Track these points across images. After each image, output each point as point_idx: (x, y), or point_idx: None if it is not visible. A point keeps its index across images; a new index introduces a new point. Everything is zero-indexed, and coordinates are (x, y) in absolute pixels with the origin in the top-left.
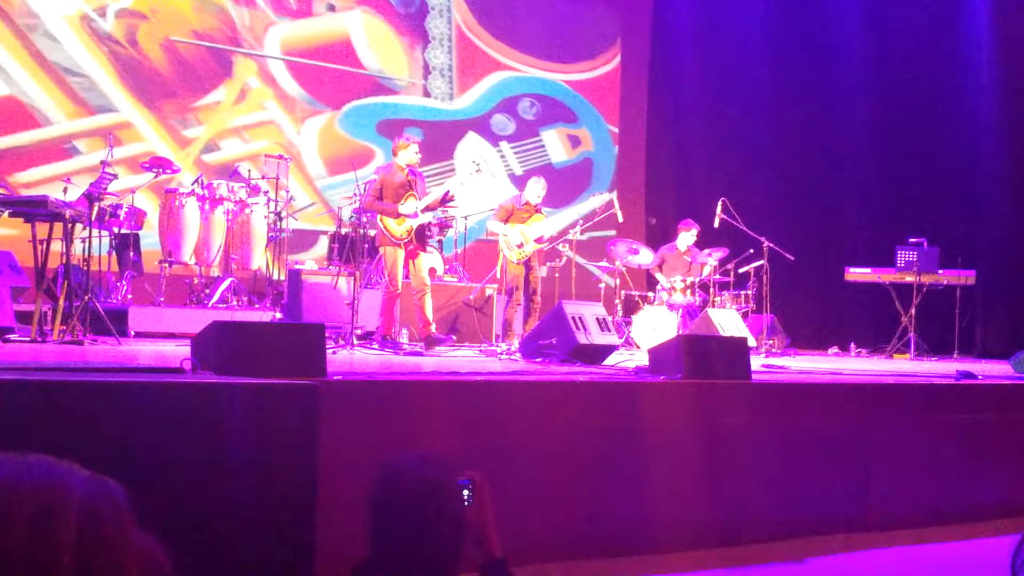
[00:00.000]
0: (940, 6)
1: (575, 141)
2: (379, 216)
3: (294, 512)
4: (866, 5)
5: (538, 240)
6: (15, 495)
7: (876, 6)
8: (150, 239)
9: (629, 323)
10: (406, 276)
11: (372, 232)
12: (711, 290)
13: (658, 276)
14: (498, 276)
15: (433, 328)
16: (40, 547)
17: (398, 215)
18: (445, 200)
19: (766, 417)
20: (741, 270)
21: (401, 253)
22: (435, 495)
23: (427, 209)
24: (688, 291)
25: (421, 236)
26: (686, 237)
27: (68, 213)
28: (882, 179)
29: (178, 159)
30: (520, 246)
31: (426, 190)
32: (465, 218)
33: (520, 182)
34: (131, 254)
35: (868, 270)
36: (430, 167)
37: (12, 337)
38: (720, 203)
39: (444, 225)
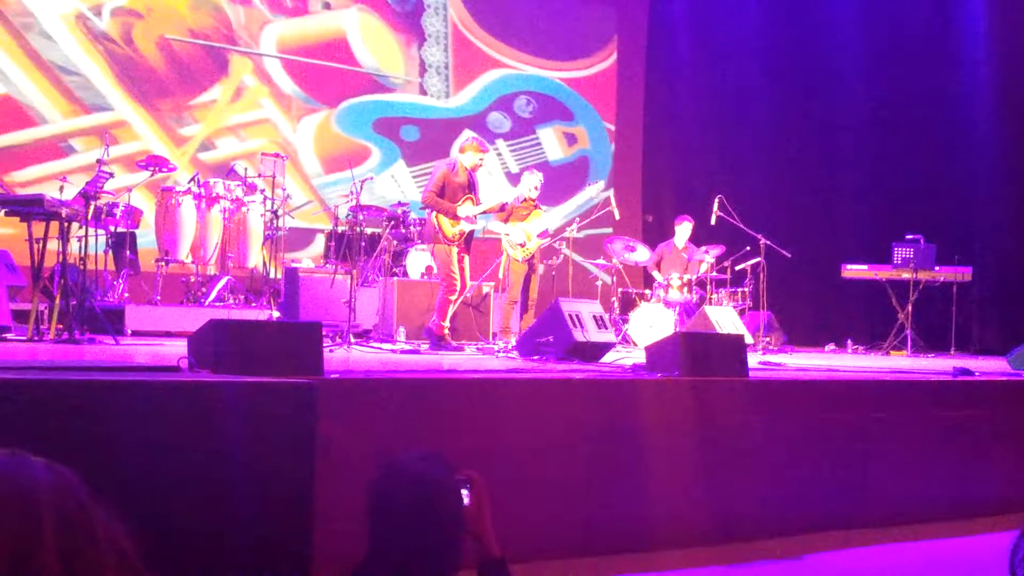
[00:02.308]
0: (938, 3)
1: (571, 139)
2: (434, 213)
3: (291, 511)
4: (863, 2)
5: (541, 235)
6: None
7: (873, 3)
8: (146, 238)
9: (626, 320)
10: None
11: (369, 230)
12: (708, 287)
13: (654, 274)
14: (500, 276)
15: (447, 331)
16: (23, 540)
17: (455, 217)
18: (503, 210)
19: (763, 414)
20: (738, 267)
21: (455, 251)
22: (434, 495)
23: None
24: (685, 288)
25: (468, 238)
26: (682, 230)
27: (64, 212)
28: (879, 176)
29: (174, 157)
30: (523, 245)
31: (479, 197)
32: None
33: (515, 180)
34: (127, 253)
35: (865, 267)
36: (427, 165)
37: (9, 336)
38: (717, 200)
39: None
